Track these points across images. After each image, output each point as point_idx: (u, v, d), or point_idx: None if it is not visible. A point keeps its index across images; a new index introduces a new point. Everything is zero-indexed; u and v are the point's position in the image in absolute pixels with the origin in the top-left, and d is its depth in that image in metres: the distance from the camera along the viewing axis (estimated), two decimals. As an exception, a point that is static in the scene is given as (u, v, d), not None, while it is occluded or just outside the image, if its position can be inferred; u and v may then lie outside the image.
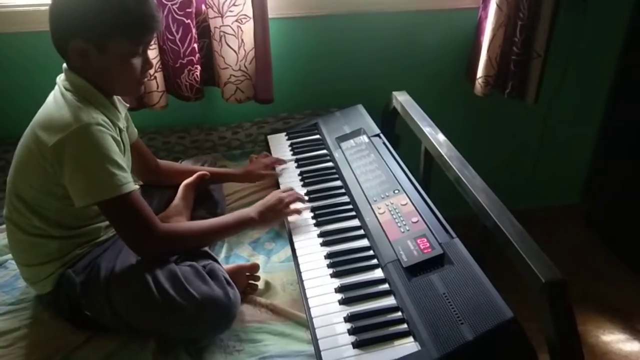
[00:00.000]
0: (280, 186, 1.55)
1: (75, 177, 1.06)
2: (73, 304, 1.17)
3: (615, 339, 1.90)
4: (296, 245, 1.30)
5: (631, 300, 2.06)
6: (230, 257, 1.41)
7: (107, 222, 1.24)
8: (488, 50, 1.88)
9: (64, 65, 1.15)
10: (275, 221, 1.40)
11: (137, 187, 1.44)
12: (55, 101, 1.12)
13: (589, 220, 2.45)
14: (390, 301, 1.10)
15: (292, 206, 1.37)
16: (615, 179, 2.28)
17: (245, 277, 1.29)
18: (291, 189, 1.45)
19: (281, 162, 1.66)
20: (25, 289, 1.28)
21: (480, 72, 1.93)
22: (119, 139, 1.15)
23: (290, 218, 1.39)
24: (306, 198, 1.45)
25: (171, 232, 1.17)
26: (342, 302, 1.11)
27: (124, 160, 1.12)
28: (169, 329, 1.13)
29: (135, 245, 1.12)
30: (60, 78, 1.15)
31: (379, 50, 1.98)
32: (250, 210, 1.30)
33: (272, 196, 1.36)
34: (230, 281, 1.18)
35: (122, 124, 1.22)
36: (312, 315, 1.09)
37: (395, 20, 1.94)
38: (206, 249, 1.28)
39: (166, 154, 1.85)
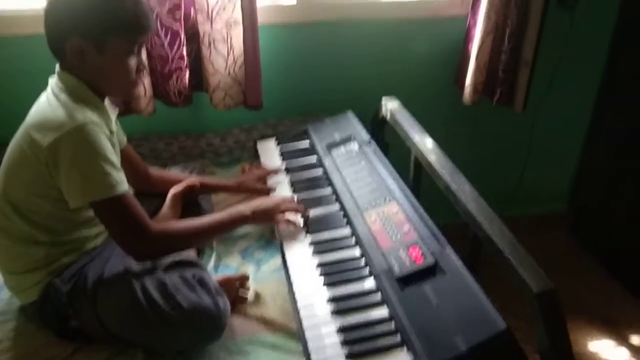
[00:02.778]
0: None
1: (70, 177, 1.05)
2: (59, 314, 1.15)
3: (602, 346, 1.92)
4: (287, 254, 1.29)
5: (618, 308, 2.08)
6: (219, 266, 1.39)
7: (95, 230, 1.23)
8: (477, 58, 1.89)
9: (57, 66, 1.14)
10: (267, 224, 1.40)
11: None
12: (49, 102, 1.11)
13: (574, 229, 2.47)
14: (382, 312, 1.09)
15: (288, 215, 1.36)
16: (601, 188, 2.31)
17: (235, 287, 1.28)
18: (291, 199, 1.43)
19: (274, 172, 1.63)
20: (9, 299, 1.26)
21: (468, 79, 1.94)
22: (111, 140, 1.15)
23: (282, 226, 1.37)
24: (306, 211, 1.40)
25: (165, 231, 1.15)
26: (334, 313, 1.10)
27: (117, 160, 1.12)
28: (158, 340, 1.12)
29: (128, 246, 1.11)
30: (53, 79, 1.14)
31: (368, 56, 1.98)
32: (245, 208, 1.29)
33: (271, 199, 1.36)
34: (220, 291, 1.16)
35: (113, 127, 1.22)
36: (304, 326, 1.08)
37: (384, 27, 1.94)
38: (195, 259, 1.27)
39: (153, 160, 1.83)
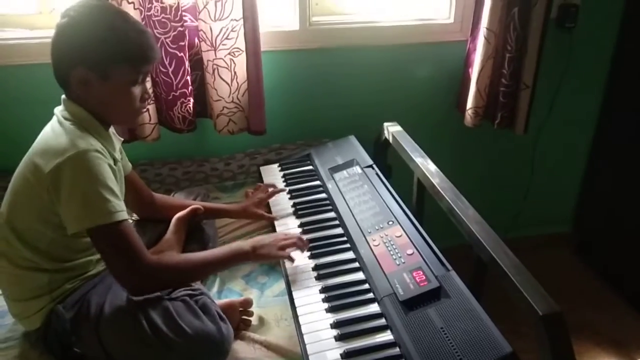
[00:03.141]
0: (277, 228, 1.52)
1: (69, 202, 1.05)
2: (62, 340, 1.14)
3: (610, 369, 1.89)
4: (290, 279, 1.29)
5: (625, 330, 2.05)
6: (222, 291, 1.39)
7: (97, 256, 1.22)
8: (477, 82, 1.91)
9: (63, 96, 1.16)
10: (268, 260, 1.38)
11: (131, 220, 1.43)
12: (53, 130, 1.12)
13: (579, 249, 2.46)
14: (387, 336, 1.09)
15: (289, 251, 1.31)
16: (605, 208, 2.30)
17: (238, 312, 1.27)
18: (294, 235, 1.37)
19: (277, 191, 1.63)
20: (12, 326, 1.25)
21: (469, 103, 1.96)
22: (114, 168, 1.16)
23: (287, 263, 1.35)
24: (307, 245, 1.36)
25: (161, 265, 1.14)
26: (339, 338, 1.09)
27: (118, 188, 1.12)
28: (161, 366, 1.10)
29: (123, 278, 1.10)
30: (59, 109, 1.16)
31: (370, 82, 2.01)
32: (245, 244, 1.28)
33: (271, 236, 1.32)
34: (223, 316, 1.16)
35: (117, 155, 1.23)
36: (308, 351, 1.07)
37: (385, 53, 1.97)
38: (198, 283, 1.26)
39: (158, 185, 1.84)
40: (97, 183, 1.06)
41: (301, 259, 1.34)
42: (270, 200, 1.61)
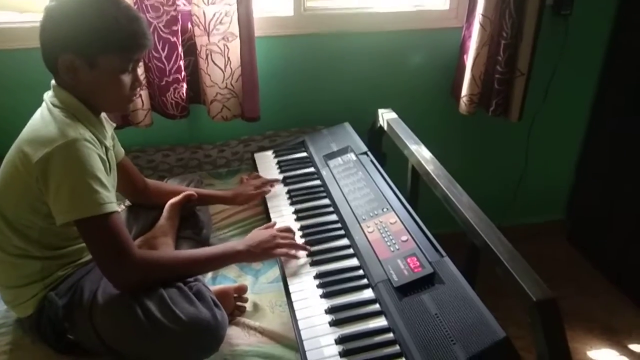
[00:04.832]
0: (269, 207, 1.52)
1: (58, 193, 1.04)
2: (56, 327, 1.14)
3: (602, 355, 1.91)
4: (285, 265, 1.29)
5: (617, 317, 2.07)
6: (217, 277, 1.39)
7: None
8: (472, 69, 1.90)
9: (52, 81, 1.14)
10: (263, 259, 1.33)
11: (121, 208, 1.42)
12: (42, 117, 1.10)
13: (573, 237, 2.47)
14: (381, 322, 1.09)
15: (283, 251, 1.28)
16: (599, 195, 2.31)
17: (233, 298, 1.27)
18: (289, 229, 1.34)
19: (273, 183, 1.62)
20: (5, 312, 1.25)
21: (464, 90, 1.95)
22: (105, 157, 1.14)
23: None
24: (304, 252, 1.32)
25: (148, 260, 1.10)
26: (333, 323, 1.10)
27: (108, 179, 1.10)
28: (155, 352, 1.10)
29: (108, 271, 1.07)
30: (48, 95, 1.14)
31: (365, 68, 2.00)
32: (238, 244, 1.24)
33: (265, 233, 1.28)
34: (218, 302, 1.15)
35: (108, 142, 1.21)
36: (302, 337, 1.08)
37: (380, 39, 1.96)
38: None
39: (151, 172, 1.83)
40: (86, 173, 1.03)
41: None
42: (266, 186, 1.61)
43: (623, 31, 2.09)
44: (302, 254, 1.31)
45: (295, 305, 1.16)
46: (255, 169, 1.75)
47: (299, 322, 1.11)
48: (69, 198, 1.03)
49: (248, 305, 1.28)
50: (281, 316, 1.24)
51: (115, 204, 1.08)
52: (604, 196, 2.27)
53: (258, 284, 1.35)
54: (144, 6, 1.61)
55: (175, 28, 1.64)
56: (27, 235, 1.12)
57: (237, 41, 1.70)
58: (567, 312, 2.03)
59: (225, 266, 1.31)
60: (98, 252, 1.08)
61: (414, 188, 1.71)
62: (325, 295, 1.17)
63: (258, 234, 1.28)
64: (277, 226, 1.35)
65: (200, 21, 1.65)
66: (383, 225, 1.31)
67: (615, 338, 1.97)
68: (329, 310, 1.13)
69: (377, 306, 1.13)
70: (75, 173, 1.03)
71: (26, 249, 1.13)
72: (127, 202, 1.47)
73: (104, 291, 1.12)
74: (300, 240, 1.35)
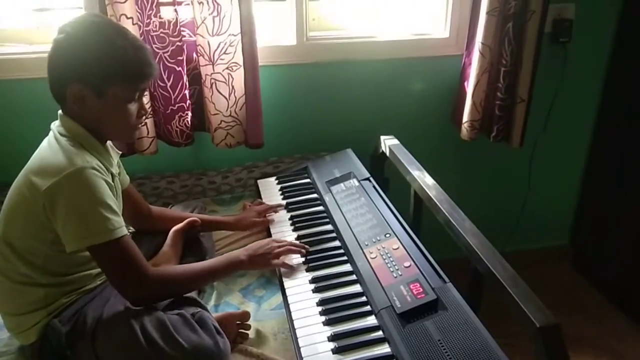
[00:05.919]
0: (272, 234, 1.53)
1: (67, 221, 1.05)
2: (58, 355, 1.14)
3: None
4: (287, 292, 1.28)
5: (623, 342, 2.04)
6: (220, 305, 1.38)
7: (94, 270, 1.23)
8: (473, 96, 1.92)
9: (59, 111, 1.16)
10: (264, 268, 1.39)
11: (128, 233, 1.42)
12: (50, 146, 1.12)
13: (577, 263, 2.45)
14: (384, 349, 1.08)
15: (282, 258, 1.34)
16: (602, 221, 2.30)
17: (236, 325, 1.27)
18: (286, 241, 1.40)
19: (276, 208, 1.63)
20: (8, 340, 1.24)
21: (465, 116, 1.97)
22: (112, 183, 1.16)
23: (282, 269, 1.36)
24: (303, 251, 1.38)
25: (161, 277, 1.15)
26: (336, 351, 1.09)
27: (117, 204, 1.12)
28: (157, 380, 1.09)
29: (125, 291, 1.11)
30: (55, 124, 1.16)
31: (366, 96, 2.02)
32: (240, 253, 1.29)
33: (264, 243, 1.34)
34: (220, 330, 1.15)
35: (114, 170, 1.23)
36: (305, 364, 1.07)
37: (382, 67, 1.99)
38: (195, 297, 1.26)
39: (155, 199, 1.84)
40: (95, 201, 1.06)
41: (298, 273, 1.34)
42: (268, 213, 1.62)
43: (621, 58, 2.12)
44: (302, 273, 1.32)
45: (298, 333, 1.15)
46: (259, 195, 1.76)
47: (302, 350, 1.10)
48: (80, 226, 1.05)
49: (250, 333, 1.28)
50: (284, 343, 1.23)
51: (124, 228, 1.10)
52: (607, 221, 2.27)
53: (261, 311, 1.35)
54: (150, 37, 1.64)
55: (180, 58, 1.67)
56: (32, 262, 1.13)
57: (241, 70, 1.73)
58: (573, 338, 2.02)
59: (230, 275, 1.38)
60: (112, 274, 1.11)
61: (416, 214, 1.71)
62: (328, 323, 1.17)
63: (257, 245, 1.33)
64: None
65: (205, 51, 1.68)
66: (386, 251, 1.31)
67: (623, 365, 1.95)
68: (332, 338, 1.12)
69: (380, 333, 1.12)
70: (84, 201, 1.05)
71: (31, 275, 1.14)
72: (131, 229, 1.47)
73: (107, 318, 1.12)
74: (302, 267, 1.35)
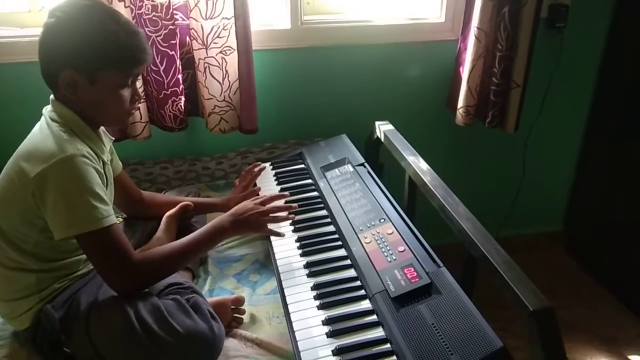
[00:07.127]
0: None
1: (55, 209, 1.04)
2: (52, 340, 1.13)
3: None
4: (282, 277, 1.28)
5: (616, 327, 2.06)
6: (214, 290, 1.38)
7: (84, 256, 1.22)
8: (468, 81, 1.91)
9: (51, 96, 1.15)
10: (249, 231, 1.35)
11: (119, 221, 1.42)
12: (41, 132, 1.11)
13: (570, 247, 2.47)
14: (378, 333, 1.09)
15: (270, 226, 1.31)
16: (596, 206, 2.31)
17: (230, 310, 1.27)
18: (273, 197, 1.35)
19: (261, 168, 1.61)
20: (1, 326, 1.24)
21: (460, 102, 1.97)
22: (102, 171, 1.14)
23: (274, 240, 1.36)
24: (288, 215, 1.35)
25: (147, 261, 1.12)
26: (330, 334, 1.09)
27: (106, 193, 1.11)
28: (152, 365, 1.10)
29: (111, 280, 1.09)
30: (47, 109, 1.15)
31: (361, 81, 2.01)
32: (223, 220, 1.24)
33: (248, 207, 1.28)
34: (215, 315, 1.15)
35: (106, 156, 1.22)
36: (300, 349, 1.07)
37: (377, 52, 1.97)
38: (189, 282, 1.26)
39: (149, 184, 1.84)
40: (84, 189, 1.04)
41: (293, 257, 1.34)
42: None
43: (617, 44, 2.11)
44: (297, 258, 1.31)
45: (293, 317, 1.15)
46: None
47: (296, 334, 1.11)
48: (68, 214, 1.04)
49: (245, 317, 1.28)
50: (278, 328, 1.24)
51: (113, 217, 1.09)
52: (601, 206, 2.28)
53: (255, 296, 1.35)
54: (142, 20, 1.62)
55: (173, 42, 1.66)
56: (22, 248, 1.12)
57: (235, 54, 1.72)
58: (566, 323, 2.03)
59: (218, 243, 1.30)
60: (99, 263, 1.10)
61: (411, 199, 1.71)
62: (322, 307, 1.17)
63: (240, 206, 1.29)
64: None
65: (198, 35, 1.66)
66: (380, 236, 1.31)
67: (615, 349, 1.97)
68: (326, 322, 1.12)
69: (374, 317, 1.13)
70: (73, 189, 1.04)
71: (22, 261, 1.13)
72: (124, 215, 1.47)
73: (100, 303, 1.12)
74: (297, 252, 1.35)
